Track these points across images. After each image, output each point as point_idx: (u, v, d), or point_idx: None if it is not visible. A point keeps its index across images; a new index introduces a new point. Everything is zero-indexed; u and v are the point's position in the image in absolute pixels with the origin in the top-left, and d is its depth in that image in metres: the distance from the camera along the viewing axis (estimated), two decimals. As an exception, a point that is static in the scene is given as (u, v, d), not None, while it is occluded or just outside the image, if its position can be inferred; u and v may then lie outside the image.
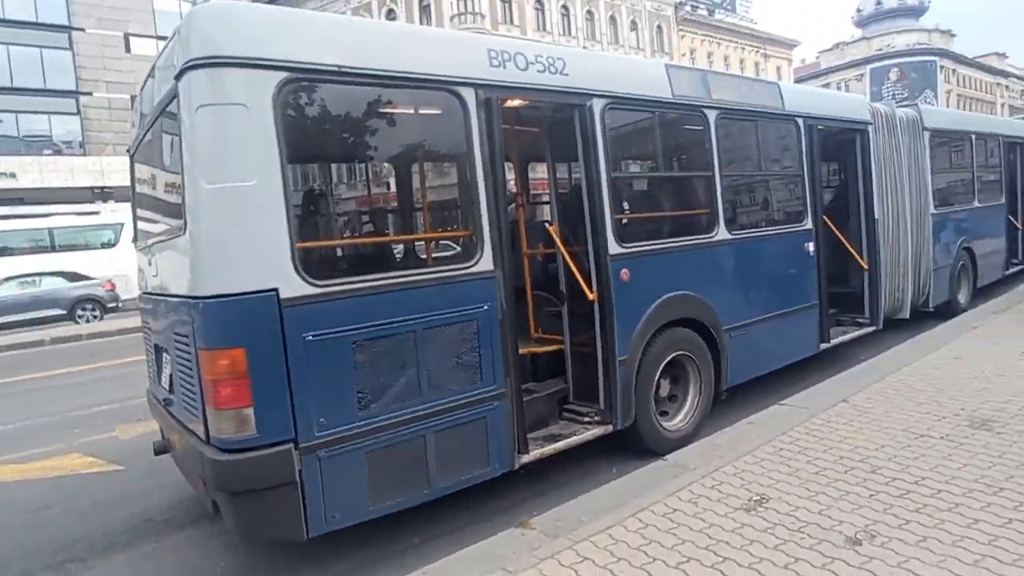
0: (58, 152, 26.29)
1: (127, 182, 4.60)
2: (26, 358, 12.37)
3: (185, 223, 2.87)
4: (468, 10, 32.22)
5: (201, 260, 2.81)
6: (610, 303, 4.10)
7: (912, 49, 58.45)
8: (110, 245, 20.26)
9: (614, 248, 4.13)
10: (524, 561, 2.90)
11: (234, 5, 2.96)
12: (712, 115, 4.86)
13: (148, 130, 3.68)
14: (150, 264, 3.85)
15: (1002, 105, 66.41)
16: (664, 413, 4.67)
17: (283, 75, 2.88)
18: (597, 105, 4.11)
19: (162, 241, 3.47)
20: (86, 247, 20.23)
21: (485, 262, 3.50)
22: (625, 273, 4.17)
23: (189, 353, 3.00)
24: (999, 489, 3.21)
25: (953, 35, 62.04)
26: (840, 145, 6.47)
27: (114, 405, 7.12)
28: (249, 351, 2.76)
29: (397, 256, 3.63)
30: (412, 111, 3.59)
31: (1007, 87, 69.64)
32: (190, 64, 2.76)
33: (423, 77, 3.36)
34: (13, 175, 24.47)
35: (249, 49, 2.81)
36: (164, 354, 3.67)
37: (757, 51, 50.44)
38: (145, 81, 3.69)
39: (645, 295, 4.33)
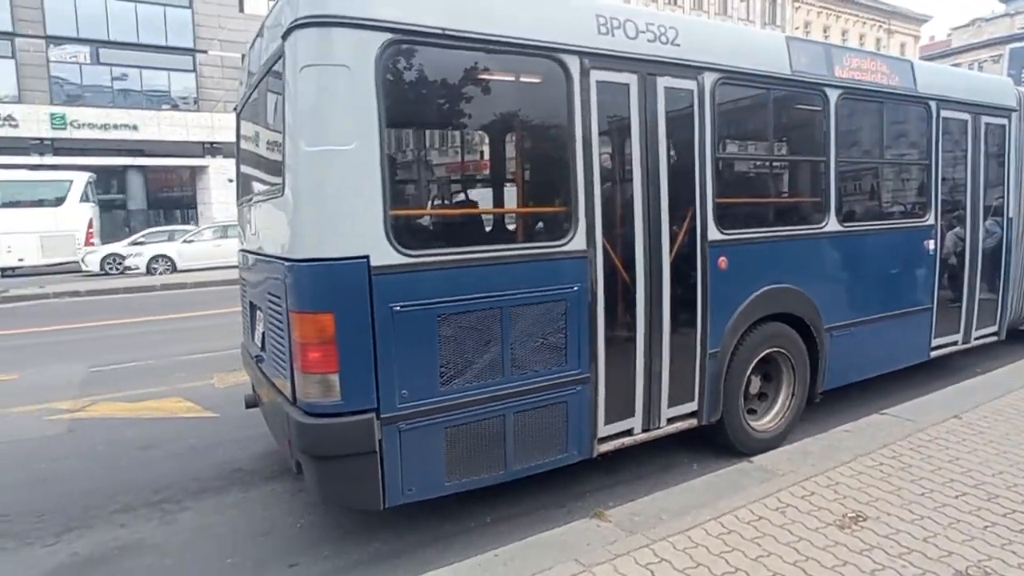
0: (175, 107, 27.90)
1: (233, 138, 4.74)
2: (134, 302, 13.36)
3: (284, 183, 2.90)
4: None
5: (297, 222, 2.82)
6: (705, 292, 3.89)
7: (1060, 28, 52.37)
8: (56, 203, 19.62)
9: (713, 234, 3.91)
10: (598, 555, 2.82)
11: None
12: (833, 95, 4.47)
13: (255, 89, 3.73)
14: (249, 222, 3.89)
15: None
16: (752, 412, 4.44)
17: (387, 36, 2.82)
18: (708, 79, 3.85)
19: (262, 200, 3.51)
20: (35, 203, 19.57)
21: (578, 241, 3.38)
22: (723, 261, 3.94)
23: (281, 314, 3.04)
24: None
25: (1112, 12, 55.04)
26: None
27: (213, 353, 7.54)
28: (337, 317, 2.76)
29: (488, 230, 3.55)
30: (513, 79, 3.47)
31: None
32: (298, 23, 2.74)
33: (528, 43, 3.22)
34: (135, 127, 26.20)
35: (355, 8, 2.76)
36: (258, 311, 3.76)
37: (880, 26, 46.71)
38: (254, 40, 3.74)
39: (743, 286, 4.09)
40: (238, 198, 4.51)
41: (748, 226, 4.22)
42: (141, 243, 19.34)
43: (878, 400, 5.06)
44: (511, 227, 3.60)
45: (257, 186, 3.77)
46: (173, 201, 30.52)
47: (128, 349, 8.20)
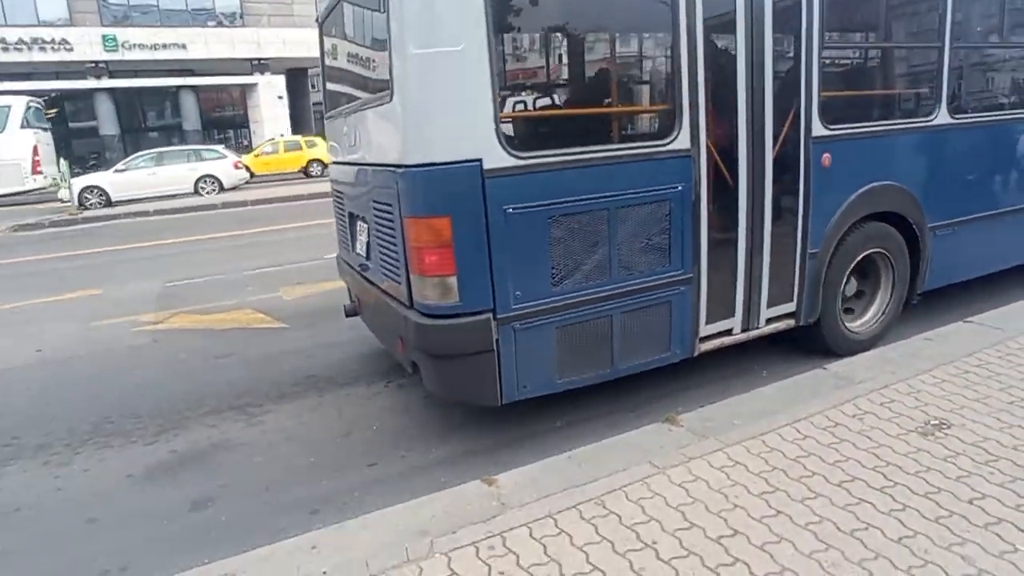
0: (220, 24, 27.64)
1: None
2: (200, 220, 13.79)
3: (392, 90, 2.87)
4: None
5: (409, 128, 2.83)
6: (807, 190, 3.75)
7: None
8: None
9: (818, 129, 3.70)
10: (672, 458, 2.83)
11: None
12: None
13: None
14: (345, 134, 3.88)
15: None
16: (848, 311, 4.34)
17: None
18: None
19: (360, 110, 3.50)
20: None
21: (682, 139, 3.28)
22: (826, 158, 3.75)
23: (393, 221, 3.10)
24: None
25: None
26: None
27: (279, 268, 7.76)
28: (454, 221, 2.82)
29: (594, 131, 3.44)
30: None
31: None
32: None
33: None
34: (183, 46, 26.23)
35: None
36: (359, 222, 3.81)
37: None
38: None
39: (846, 184, 3.91)
40: (326, 112, 4.47)
41: (853, 120, 3.97)
42: (121, 171, 18.05)
43: (960, 309, 4.82)
44: (616, 127, 3.53)
45: (352, 98, 3.77)
46: (226, 121, 30.85)
47: (198, 265, 8.53)
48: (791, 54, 3.63)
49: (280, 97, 27.31)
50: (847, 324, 4.25)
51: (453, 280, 2.86)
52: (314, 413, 3.97)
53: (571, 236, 3.08)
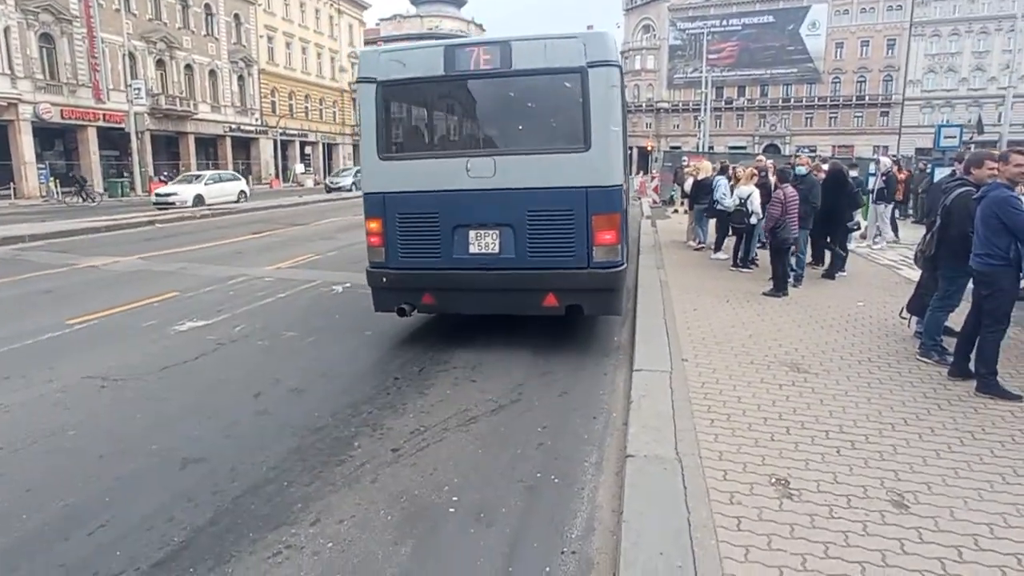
0: None
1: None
2: None
3: (589, 144, 5.26)
4: None
5: (599, 167, 5.30)
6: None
7: (454, 33, 65.88)
8: None
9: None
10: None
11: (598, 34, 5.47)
12: None
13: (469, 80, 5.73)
14: (468, 170, 5.49)
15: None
16: None
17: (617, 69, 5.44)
18: None
19: (520, 153, 5.50)
20: None
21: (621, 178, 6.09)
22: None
23: (570, 218, 5.34)
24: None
25: (484, 30, 72.44)
26: None
27: None
28: (622, 215, 5.66)
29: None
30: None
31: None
32: (594, 63, 5.21)
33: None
34: None
35: (614, 55, 5.45)
36: (476, 230, 5.56)
37: (331, 5, 49.73)
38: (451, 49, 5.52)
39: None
40: (383, 152, 5.70)
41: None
42: None
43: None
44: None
45: (492, 143, 5.91)
46: None
47: None
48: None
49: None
50: None
51: (620, 247, 5.41)
52: None
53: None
